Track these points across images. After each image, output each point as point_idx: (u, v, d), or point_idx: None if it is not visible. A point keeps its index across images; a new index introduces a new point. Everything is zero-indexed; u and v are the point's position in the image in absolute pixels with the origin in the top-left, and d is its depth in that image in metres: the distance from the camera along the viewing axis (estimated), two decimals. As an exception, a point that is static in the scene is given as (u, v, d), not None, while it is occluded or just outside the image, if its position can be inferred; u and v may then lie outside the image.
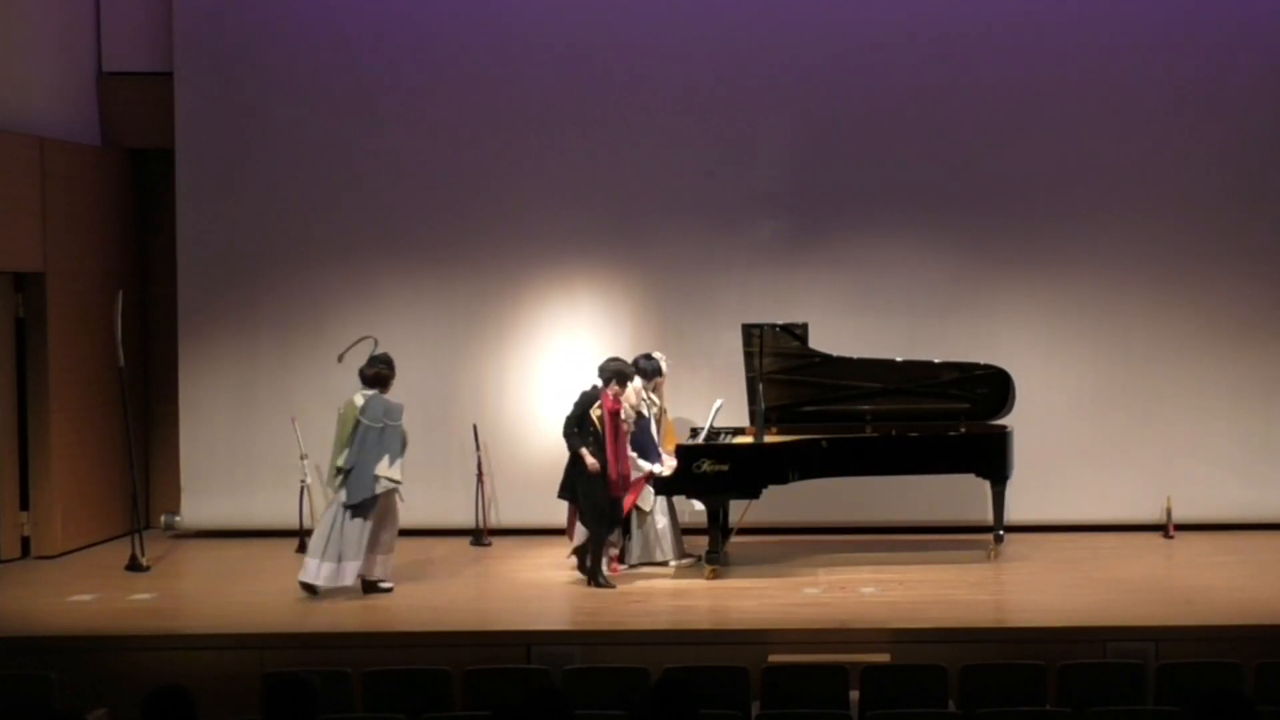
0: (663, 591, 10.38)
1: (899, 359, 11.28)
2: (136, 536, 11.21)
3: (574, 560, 10.65)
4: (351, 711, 7.74)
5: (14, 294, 11.62)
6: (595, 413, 10.43)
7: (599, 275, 12.40)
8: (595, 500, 10.38)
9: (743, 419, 11.26)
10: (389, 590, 10.26)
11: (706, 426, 11.07)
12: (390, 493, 10.27)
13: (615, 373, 10.51)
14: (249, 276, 12.39)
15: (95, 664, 8.88)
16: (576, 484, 10.50)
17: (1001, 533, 11.14)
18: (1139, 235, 12.25)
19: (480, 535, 12.00)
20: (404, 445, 10.34)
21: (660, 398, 11.16)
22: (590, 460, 10.34)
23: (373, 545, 10.21)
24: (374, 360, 10.48)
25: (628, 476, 10.47)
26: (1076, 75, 12.22)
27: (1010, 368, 11.21)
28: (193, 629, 9.48)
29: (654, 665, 7.88)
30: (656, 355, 11.16)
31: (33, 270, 11.58)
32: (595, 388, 10.57)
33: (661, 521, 10.96)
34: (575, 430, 10.49)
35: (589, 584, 10.38)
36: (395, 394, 12.50)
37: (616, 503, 10.46)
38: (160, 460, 12.78)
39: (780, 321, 11.21)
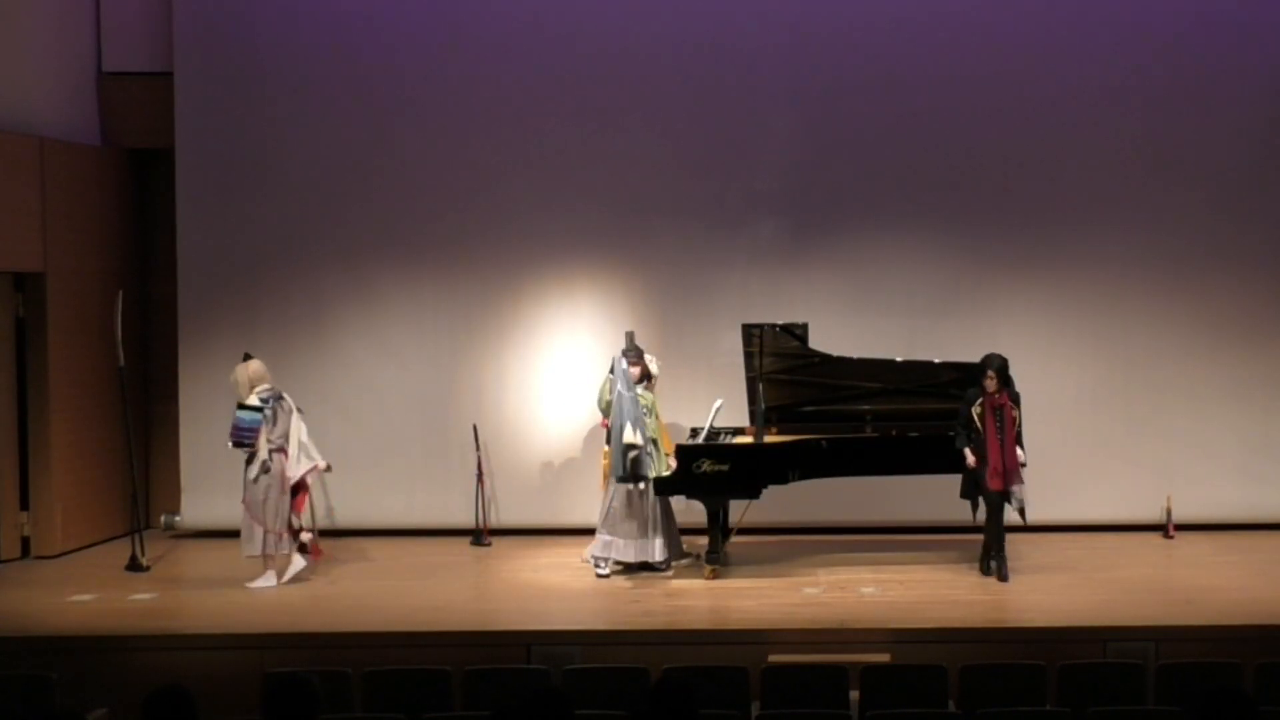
0: (662, 591, 10.38)
1: (899, 359, 11.26)
2: (136, 536, 11.22)
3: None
4: (351, 711, 7.74)
5: (14, 294, 11.63)
6: (976, 410, 10.45)
7: (599, 275, 12.40)
8: (985, 495, 10.48)
9: (743, 419, 11.25)
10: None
11: (706, 426, 11.06)
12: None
13: (999, 368, 10.48)
14: (249, 276, 12.40)
15: (95, 664, 8.89)
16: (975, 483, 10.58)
17: (1001, 533, 11.13)
18: (1139, 236, 12.25)
19: (480, 535, 11.99)
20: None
21: (651, 401, 11.06)
22: (969, 457, 10.42)
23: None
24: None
25: (1014, 470, 10.40)
26: (1077, 76, 12.22)
27: (1010, 367, 11.19)
28: (193, 629, 9.47)
29: (654, 665, 7.89)
30: (649, 358, 11.10)
31: (33, 270, 11.58)
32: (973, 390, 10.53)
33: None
34: (959, 430, 10.54)
35: (991, 576, 10.48)
36: (395, 392, 12.56)
37: (1000, 495, 10.44)
38: (160, 460, 12.78)
39: (780, 321, 11.20)
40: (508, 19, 12.34)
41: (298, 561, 10.63)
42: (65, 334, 11.77)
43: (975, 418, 10.48)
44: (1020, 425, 10.53)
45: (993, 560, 10.58)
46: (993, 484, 10.41)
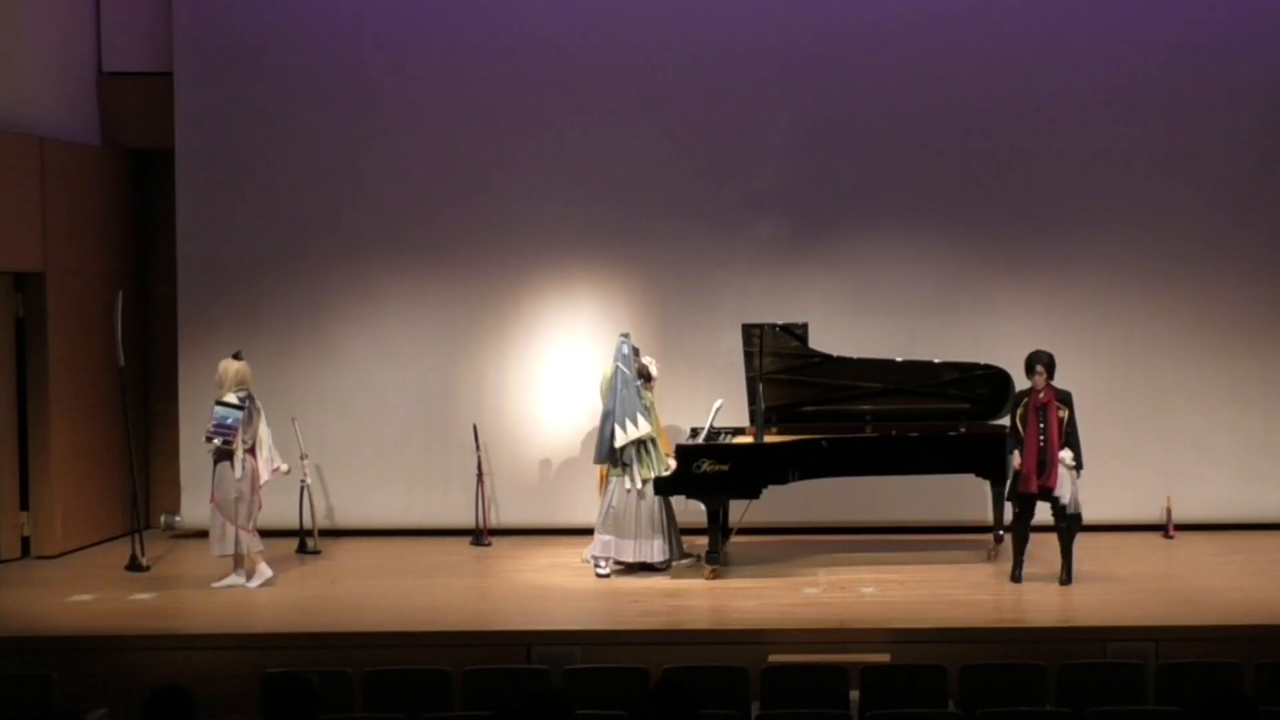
0: (662, 591, 10.38)
1: (899, 359, 11.27)
2: (136, 536, 11.22)
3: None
4: (351, 711, 7.74)
5: (14, 294, 11.63)
6: (1019, 411, 10.36)
7: (599, 275, 12.40)
8: (1016, 495, 10.44)
9: (743, 419, 11.25)
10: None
11: (706, 426, 11.06)
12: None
13: (1048, 362, 10.33)
14: (249, 276, 12.39)
15: (95, 664, 8.90)
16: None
17: (1001, 532, 11.11)
18: (1139, 236, 12.25)
19: (480, 535, 11.99)
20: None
21: (651, 401, 11.04)
22: (1017, 459, 10.33)
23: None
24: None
25: (1054, 470, 10.22)
26: (1078, 76, 12.22)
27: (1010, 368, 11.19)
28: (193, 629, 9.48)
29: (654, 665, 7.89)
30: (647, 359, 11.09)
31: (33, 270, 11.58)
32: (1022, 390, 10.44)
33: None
34: (1010, 433, 10.45)
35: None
36: (395, 391, 12.55)
37: (1029, 498, 10.33)
38: (160, 460, 12.78)
39: (780, 321, 11.20)
40: (508, 20, 12.34)
41: (264, 570, 10.65)
42: (65, 334, 11.76)
43: (1018, 418, 10.36)
44: (1073, 425, 10.26)
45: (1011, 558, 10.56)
46: (1024, 486, 10.29)
